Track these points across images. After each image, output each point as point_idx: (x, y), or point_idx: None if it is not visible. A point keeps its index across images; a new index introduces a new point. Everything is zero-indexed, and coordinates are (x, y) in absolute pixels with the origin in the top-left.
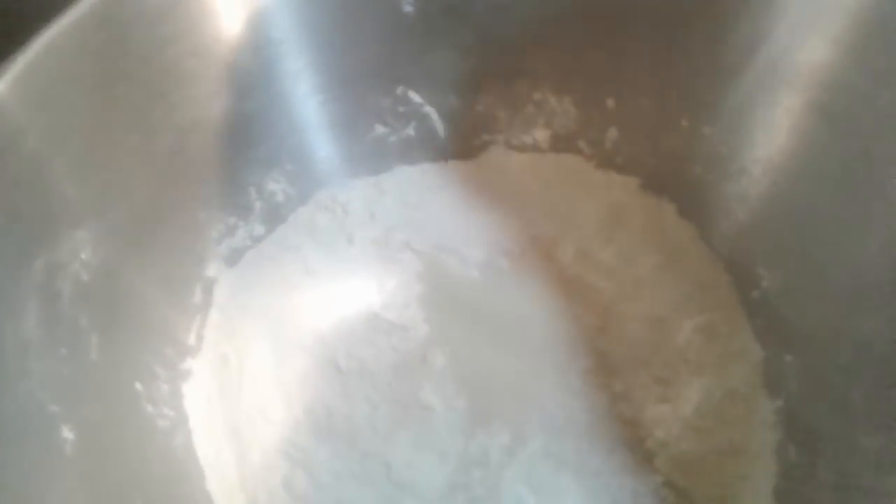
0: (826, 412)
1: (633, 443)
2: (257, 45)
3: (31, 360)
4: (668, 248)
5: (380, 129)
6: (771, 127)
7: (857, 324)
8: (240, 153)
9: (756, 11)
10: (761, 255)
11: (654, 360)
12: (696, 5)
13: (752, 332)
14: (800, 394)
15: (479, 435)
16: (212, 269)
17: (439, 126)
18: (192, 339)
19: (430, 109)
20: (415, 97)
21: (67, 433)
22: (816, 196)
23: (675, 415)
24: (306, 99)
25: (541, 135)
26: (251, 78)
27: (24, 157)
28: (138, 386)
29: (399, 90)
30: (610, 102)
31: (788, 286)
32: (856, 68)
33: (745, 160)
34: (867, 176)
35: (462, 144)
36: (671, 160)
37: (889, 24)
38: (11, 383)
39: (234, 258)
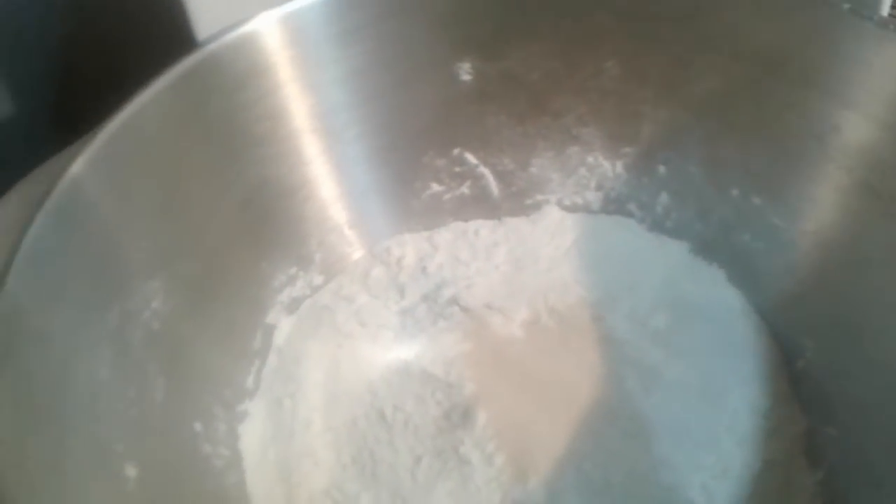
0: (865, 487)
1: None
2: (322, 111)
3: (102, 402)
4: (717, 315)
5: (435, 188)
6: (820, 202)
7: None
8: (301, 209)
9: (805, 92)
10: (807, 326)
11: (697, 428)
12: (746, 83)
13: (796, 403)
14: (840, 467)
15: (515, 491)
16: (272, 316)
17: (493, 185)
18: (250, 383)
19: (484, 170)
20: (470, 158)
21: (131, 470)
22: (864, 273)
23: (715, 482)
24: (366, 159)
25: (592, 196)
26: (315, 140)
27: (100, 221)
28: (198, 426)
29: (455, 152)
30: (661, 169)
31: (833, 359)
32: None
33: (795, 232)
34: None
35: (514, 203)
36: (721, 227)
37: None
38: (83, 423)
39: (293, 306)
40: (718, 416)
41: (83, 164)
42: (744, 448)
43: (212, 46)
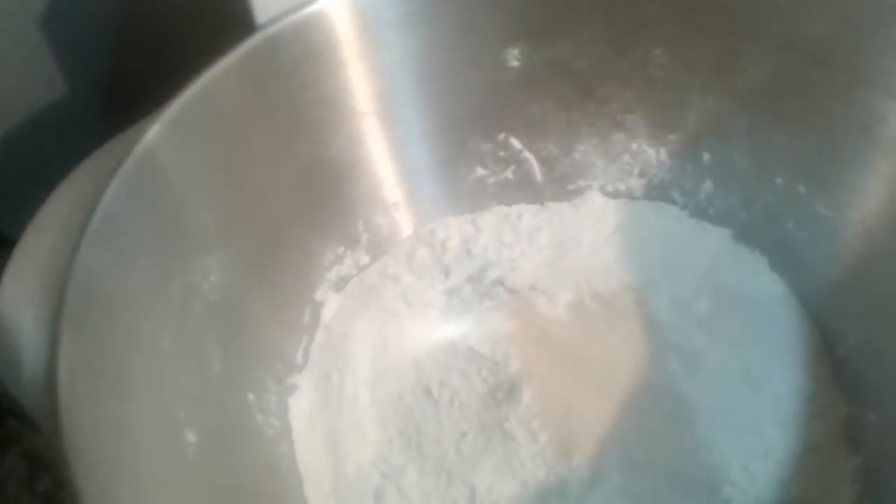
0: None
1: (711, 488)
2: (376, 93)
3: (165, 369)
4: (759, 301)
5: (480, 172)
6: (866, 191)
7: None
8: (352, 189)
9: (852, 82)
10: (849, 314)
11: (738, 410)
12: (793, 72)
13: (837, 389)
14: (880, 452)
15: (559, 467)
16: (320, 294)
17: (537, 171)
18: (299, 357)
19: (528, 155)
20: (515, 143)
21: (191, 436)
22: None
23: (756, 464)
24: (414, 143)
25: (635, 183)
26: (368, 123)
27: (170, 195)
28: (251, 397)
29: (501, 137)
30: (706, 157)
31: (874, 346)
32: None
33: (839, 221)
34: None
35: (557, 188)
36: (764, 215)
37: None
38: (148, 390)
39: (340, 284)
40: (760, 400)
41: (157, 133)
42: (784, 432)
43: (277, 26)
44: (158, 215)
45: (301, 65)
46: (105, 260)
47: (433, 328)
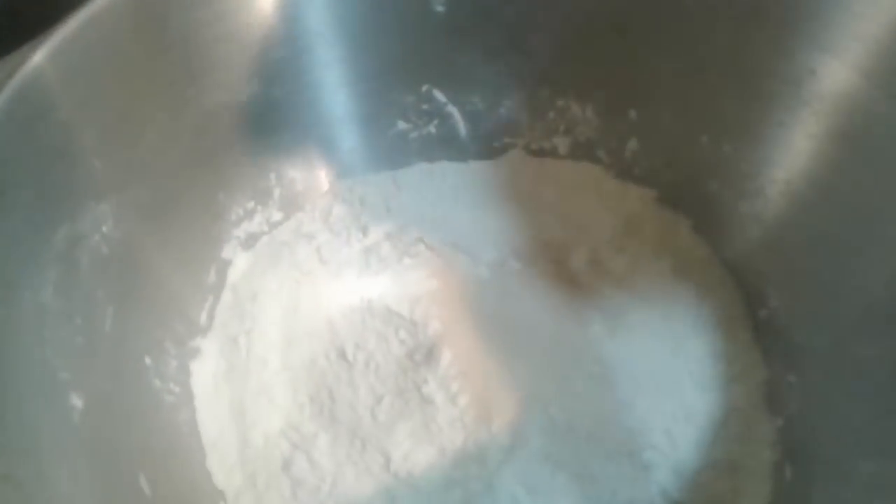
0: (825, 435)
1: (633, 452)
2: (290, 34)
3: (47, 326)
4: (681, 263)
5: (402, 125)
6: (791, 150)
7: (861, 349)
8: (264, 139)
9: (780, 36)
10: (772, 275)
11: (660, 372)
12: (720, 27)
13: (758, 351)
14: (801, 415)
15: (478, 432)
16: (228, 251)
17: (461, 126)
18: (203, 319)
19: (452, 109)
20: (439, 96)
21: (76, 401)
22: (831, 221)
23: (677, 427)
24: (333, 90)
25: (560, 141)
26: (281, 66)
27: (56, 126)
28: (148, 360)
29: (424, 88)
30: (632, 114)
31: (796, 307)
32: (878, 95)
33: (764, 180)
34: (882, 204)
35: (482, 146)
36: (689, 175)
37: None
38: (27, 348)
39: (250, 242)
40: (681, 363)
41: (42, 58)
42: (705, 395)
43: None
44: (42, 150)
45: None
46: None
47: (349, 288)
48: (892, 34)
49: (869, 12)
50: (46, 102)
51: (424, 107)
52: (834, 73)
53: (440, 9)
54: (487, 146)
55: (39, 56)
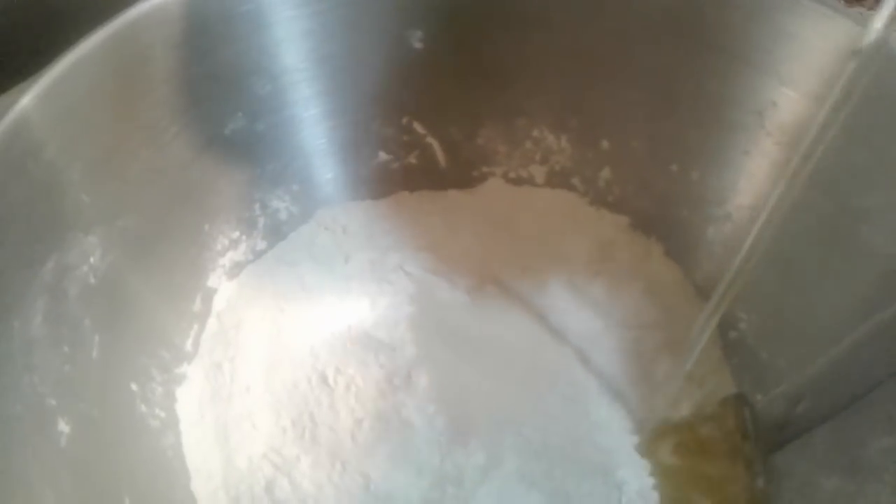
0: (791, 452)
1: (606, 471)
2: (271, 72)
3: (35, 355)
4: (654, 287)
5: (383, 156)
6: (756, 177)
7: (824, 371)
8: (248, 171)
9: (743, 71)
10: (741, 298)
11: (632, 395)
12: (687, 60)
13: (728, 372)
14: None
15: (455, 453)
16: (213, 280)
17: (440, 156)
18: (188, 346)
19: (432, 140)
20: (418, 128)
21: (63, 426)
22: (796, 246)
23: (648, 448)
24: (315, 124)
25: (537, 170)
26: (264, 102)
27: (44, 164)
28: (134, 386)
29: (404, 120)
30: (604, 144)
31: (764, 329)
32: (835, 126)
33: (731, 207)
34: (844, 231)
35: (461, 175)
36: (660, 201)
37: (866, 85)
38: (16, 376)
39: (235, 271)
40: (653, 384)
41: (31, 100)
42: (677, 414)
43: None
44: (32, 186)
45: (190, 38)
46: None
47: (330, 314)
48: (844, 67)
49: (822, 43)
50: (35, 141)
51: (405, 138)
52: (793, 103)
53: (418, 45)
54: (466, 175)
55: (28, 98)
